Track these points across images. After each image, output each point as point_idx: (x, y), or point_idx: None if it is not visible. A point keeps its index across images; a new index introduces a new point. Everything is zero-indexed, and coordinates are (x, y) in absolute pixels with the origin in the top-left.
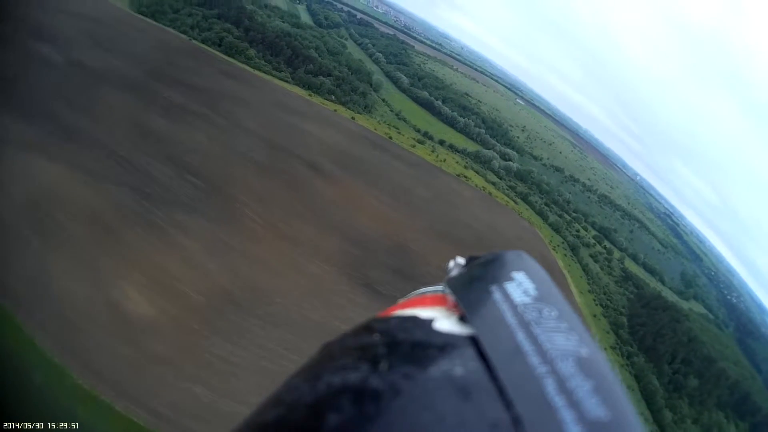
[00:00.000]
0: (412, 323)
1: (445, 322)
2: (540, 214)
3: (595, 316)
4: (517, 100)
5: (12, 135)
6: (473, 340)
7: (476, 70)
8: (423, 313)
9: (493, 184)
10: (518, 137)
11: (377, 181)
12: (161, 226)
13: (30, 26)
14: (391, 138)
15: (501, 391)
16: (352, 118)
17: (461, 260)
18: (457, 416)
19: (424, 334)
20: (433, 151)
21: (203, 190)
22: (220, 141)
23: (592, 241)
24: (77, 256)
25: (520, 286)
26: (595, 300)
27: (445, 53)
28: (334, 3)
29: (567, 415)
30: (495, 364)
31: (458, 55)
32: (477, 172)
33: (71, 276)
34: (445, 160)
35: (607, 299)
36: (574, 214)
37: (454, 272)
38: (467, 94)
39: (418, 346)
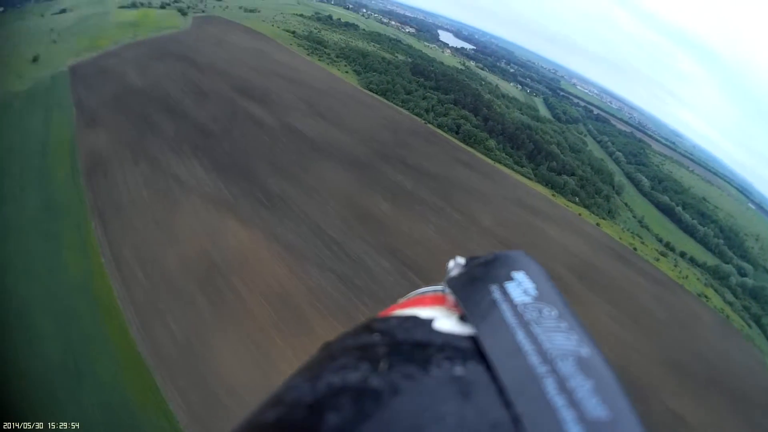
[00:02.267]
0: (412, 323)
1: (445, 321)
2: None
3: None
4: (749, 204)
5: (207, 189)
6: (473, 340)
7: (708, 170)
8: (423, 312)
9: (730, 304)
10: (752, 248)
11: (615, 297)
12: None
13: (243, 85)
14: (635, 249)
15: (501, 391)
16: (597, 224)
17: (461, 260)
18: (457, 416)
19: (424, 333)
20: (675, 266)
21: None
22: (449, 236)
23: None
24: (249, 334)
25: (520, 286)
26: None
27: (679, 152)
28: (570, 97)
29: (567, 415)
30: (495, 364)
31: (691, 154)
32: (716, 290)
33: (235, 353)
34: (687, 277)
35: None
36: None
37: (454, 272)
38: (705, 199)
39: (418, 345)
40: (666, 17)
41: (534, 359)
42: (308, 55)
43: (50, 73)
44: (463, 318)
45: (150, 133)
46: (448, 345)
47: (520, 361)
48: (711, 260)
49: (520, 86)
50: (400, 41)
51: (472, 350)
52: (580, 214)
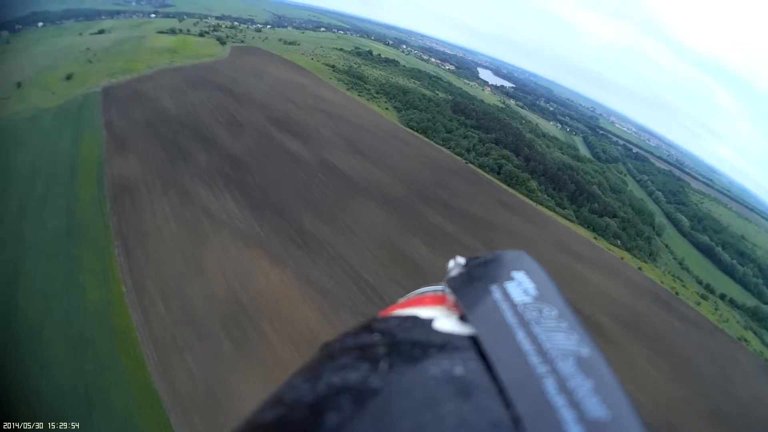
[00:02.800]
0: (412, 323)
1: (445, 321)
2: None
3: None
4: None
5: (238, 224)
6: (473, 340)
7: (746, 207)
8: (423, 312)
9: None
10: None
11: (657, 345)
12: None
13: (280, 118)
14: (677, 294)
15: (501, 391)
16: (639, 268)
17: (461, 260)
18: (457, 416)
19: (424, 333)
20: (716, 309)
21: None
22: None
23: None
24: (273, 379)
25: (520, 286)
26: None
27: (717, 189)
28: (609, 135)
29: (567, 415)
30: (495, 364)
31: (728, 191)
32: (755, 333)
33: (256, 398)
34: (727, 320)
35: None
36: None
37: (454, 272)
38: (743, 238)
39: (418, 345)
40: (702, 50)
41: (534, 359)
42: (348, 90)
43: (83, 92)
44: (463, 318)
45: (182, 162)
46: (448, 345)
47: (520, 361)
48: (750, 301)
49: (559, 125)
50: (440, 78)
51: (472, 350)
52: (622, 258)
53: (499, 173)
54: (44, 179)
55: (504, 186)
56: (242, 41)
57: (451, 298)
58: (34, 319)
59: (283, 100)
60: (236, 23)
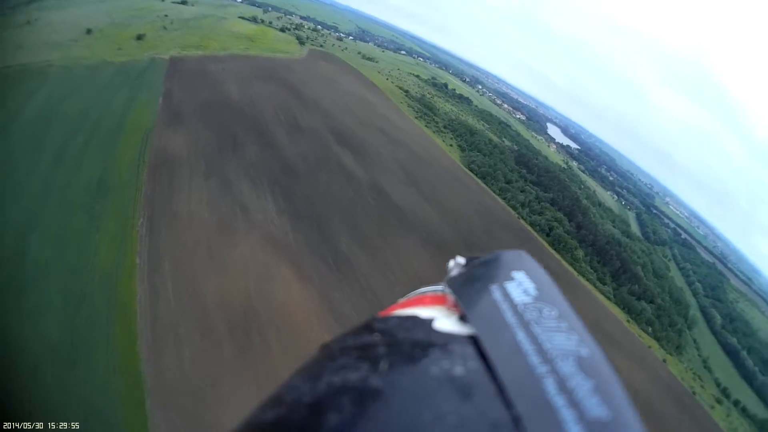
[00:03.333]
0: (412, 323)
1: (445, 321)
2: None
3: None
4: None
5: (272, 228)
6: (473, 340)
7: None
8: (423, 312)
9: None
10: None
11: None
12: None
13: (342, 131)
14: (694, 393)
15: (501, 391)
16: (664, 360)
17: (461, 260)
18: (457, 416)
19: (424, 333)
20: (728, 416)
21: None
22: None
23: None
24: (264, 390)
25: (520, 286)
26: None
27: (755, 290)
28: (662, 216)
29: (567, 415)
30: (495, 364)
31: (766, 293)
32: None
33: (241, 405)
34: (737, 429)
35: None
36: None
37: (454, 272)
38: None
39: (418, 345)
40: None
41: (534, 359)
42: (416, 118)
43: (150, 55)
44: (463, 318)
45: (231, 151)
46: (448, 345)
47: (520, 361)
48: (762, 413)
49: (615, 196)
50: (509, 126)
51: (472, 350)
52: (650, 347)
53: (548, 235)
54: (89, 130)
55: (550, 249)
56: (321, 46)
57: (451, 298)
58: (39, 265)
59: (349, 113)
60: (319, 27)
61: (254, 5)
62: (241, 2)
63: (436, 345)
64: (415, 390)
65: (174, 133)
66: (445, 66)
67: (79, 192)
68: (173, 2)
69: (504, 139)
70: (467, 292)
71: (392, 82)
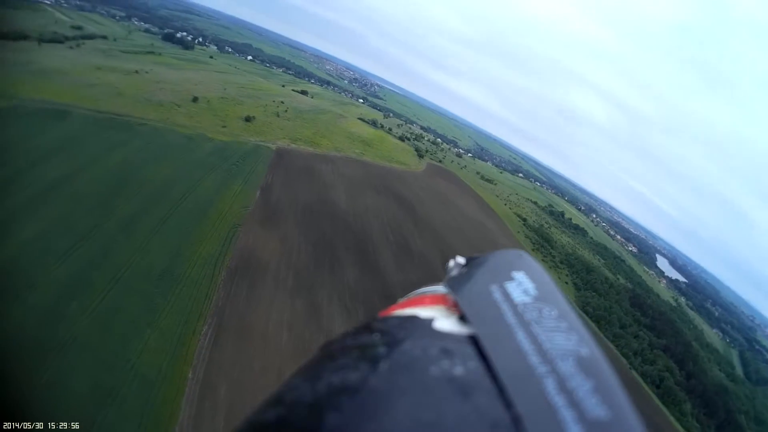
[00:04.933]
0: (412, 323)
1: (445, 321)
2: None
3: None
4: None
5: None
6: (473, 340)
7: None
8: (423, 312)
9: None
10: None
11: None
12: None
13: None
14: None
15: (501, 391)
16: None
17: (461, 260)
18: (457, 416)
19: (424, 333)
20: None
21: None
22: None
23: None
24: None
25: (520, 286)
26: None
27: None
28: (764, 352)
29: (567, 415)
30: (495, 364)
31: None
32: None
33: None
34: None
35: None
36: None
37: (454, 272)
38: None
39: (418, 345)
40: None
41: (534, 359)
42: (533, 250)
43: (255, 141)
44: (462, 318)
45: (328, 269)
46: (448, 345)
47: (520, 361)
48: None
49: (721, 333)
50: (623, 261)
51: (472, 350)
52: None
53: (658, 387)
54: (168, 206)
55: (657, 401)
56: (440, 161)
57: (451, 298)
58: (74, 339)
59: (464, 240)
60: (439, 140)
61: (375, 108)
62: (363, 103)
63: (436, 345)
64: (415, 390)
65: (266, 234)
66: (560, 192)
67: (139, 274)
68: (293, 90)
69: (618, 276)
70: (467, 292)
71: (510, 208)
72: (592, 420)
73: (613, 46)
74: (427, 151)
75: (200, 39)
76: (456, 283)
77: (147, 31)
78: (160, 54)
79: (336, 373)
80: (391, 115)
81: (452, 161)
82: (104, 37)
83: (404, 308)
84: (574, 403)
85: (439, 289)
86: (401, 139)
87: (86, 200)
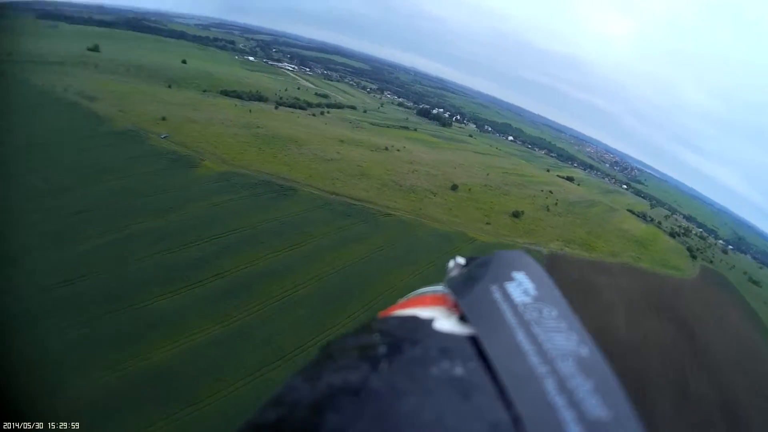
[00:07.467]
0: (412, 323)
1: (445, 321)
2: None
3: None
4: None
5: None
6: (473, 340)
7: None
8: (423, 312)
9: None
10: None
11: None
12: None
13: (734, 407)
14: None
15: (501, 391)
16: None
17: (461, 260)
18: (457, 416)
19: (424, 334)
20: None
21: None
22: None
23: None
24: None
25: (520, 286)
26: None
27: None
28: None
29: (567, 415)
30: (495, 364)
31: None
32: None
33: None
34: None
35: None
36: None
37: (454, 272)
38: None
39: (419, 346)
40: None
41: (534, 359)
42: None
43: (524, 243)
44: (463, 318)
45: None
46: (448, 345)
47: (520, 361)
48: None
49: None
50: None
51: (472, 350)
52: None
53: None
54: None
55: None
56: (711, 261)
57: (451, 298)
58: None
59: (743, 379)
60: (701, 231)
61: (640, 195)
62: (627, 189)
63: (436, 345)
64: (415, 390)
65: None
66: None
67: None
68: (558, 176)
69: None
70: (467, 293)
71: None
72: (592, 420)
73: None
74: (698, 250)
75: (458, 116)
76: (456, 284)
77: (401, 105)
78: (415, 129)
79: (336, 374)
80: (655, 203)
81: (721, 260)
82: (353, 107)
83: (404, 308)
84: (574, 404)
85: (439, 289)
86: (672, 235)
87: (316, 300)
